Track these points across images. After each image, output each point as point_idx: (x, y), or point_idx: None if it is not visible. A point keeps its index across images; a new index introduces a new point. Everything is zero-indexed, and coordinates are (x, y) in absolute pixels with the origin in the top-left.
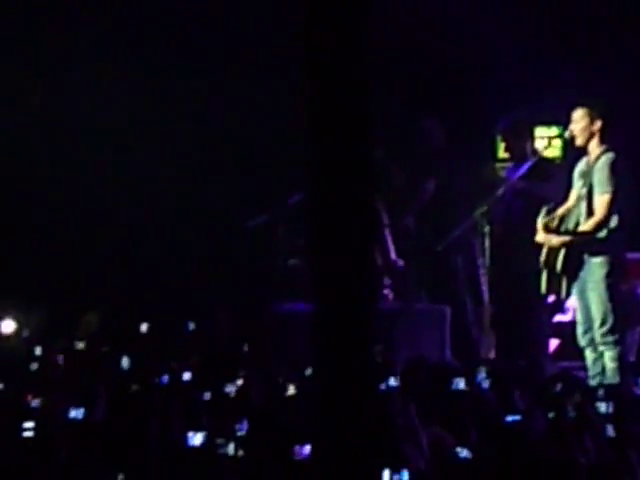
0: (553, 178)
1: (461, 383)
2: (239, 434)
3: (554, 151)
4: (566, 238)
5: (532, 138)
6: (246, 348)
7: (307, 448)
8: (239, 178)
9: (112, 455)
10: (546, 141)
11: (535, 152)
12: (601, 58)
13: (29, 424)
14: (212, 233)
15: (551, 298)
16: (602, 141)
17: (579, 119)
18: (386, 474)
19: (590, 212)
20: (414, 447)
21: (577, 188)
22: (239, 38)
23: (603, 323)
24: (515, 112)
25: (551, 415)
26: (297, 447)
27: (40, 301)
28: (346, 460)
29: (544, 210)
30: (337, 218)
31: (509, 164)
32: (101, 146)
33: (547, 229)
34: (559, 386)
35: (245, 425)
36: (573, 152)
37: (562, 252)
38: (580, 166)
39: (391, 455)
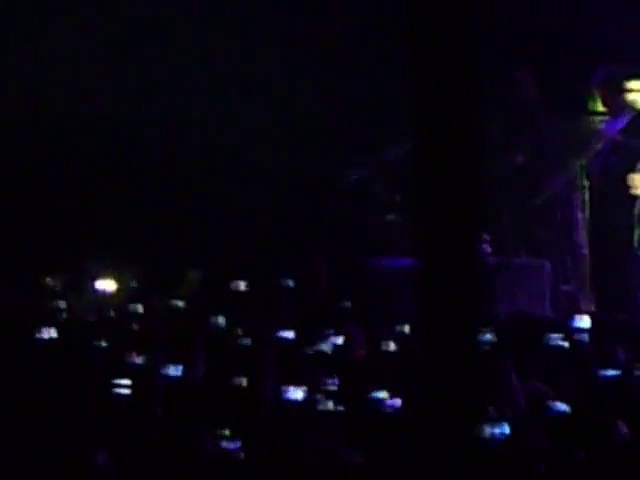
0: None
1: (558, 339)
2: (333, 389)
3: None
4: None
5: (627, 91)
6: (346, 304)
7: (397, 401)
8: (337, 130)
9: (212, 413)
10: None
11: (631, 105)
12: None
13: (126, 381)
14: (309, 188)
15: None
16: None
17: None
18: (486, 428)
19: None
20: (510, 401)
21: None
22: None
23: None
24: (610, 65)
25: None
26: (389, 400)
27: (141, 259)
28: (443, 414)
29: None
30: (443, 171)
31: (606, 118)
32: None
33: None
34: None
35: (337, 380)
36: None
37: None
38: None
39: (487, 410)
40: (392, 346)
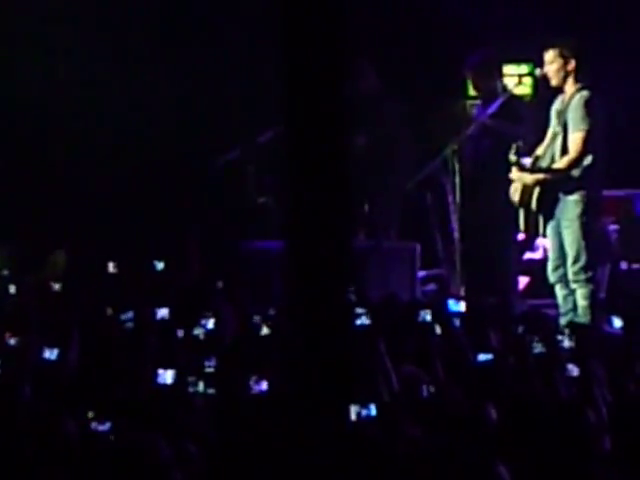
0: (523, 116)
1: (428, 315)
2: (207, 371)
3: (524, 89)
4: (540, 176)
5: (501, 75)
6: (218, 285)
7: (264, 384)
8: (210, 114)
9: (83, 395)
10: (516, 79)
11: (505, 90)
12: None
13: None
14: (182, 170)
15: (521, 236)
16: (576, 80)
17: (553, 60)
18: (353, 409)
19: (565, 150)
20: (383, 383)
21: (553, 126)
22: None
23: (576, 260)
24: (484, 49)
25: (519, 354)
26: (253, 381)
27: (8, 238)
28: (315, 395)
29: (514, 148)
30: (313, 156)
31: (478, 102)
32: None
33: (521, 167)
34: (528, 324)
35: (213, 362)
36: (545, 90)
37: (537, 190)
38: (556, 105)
39: (360, 391)
40: (264, 329)
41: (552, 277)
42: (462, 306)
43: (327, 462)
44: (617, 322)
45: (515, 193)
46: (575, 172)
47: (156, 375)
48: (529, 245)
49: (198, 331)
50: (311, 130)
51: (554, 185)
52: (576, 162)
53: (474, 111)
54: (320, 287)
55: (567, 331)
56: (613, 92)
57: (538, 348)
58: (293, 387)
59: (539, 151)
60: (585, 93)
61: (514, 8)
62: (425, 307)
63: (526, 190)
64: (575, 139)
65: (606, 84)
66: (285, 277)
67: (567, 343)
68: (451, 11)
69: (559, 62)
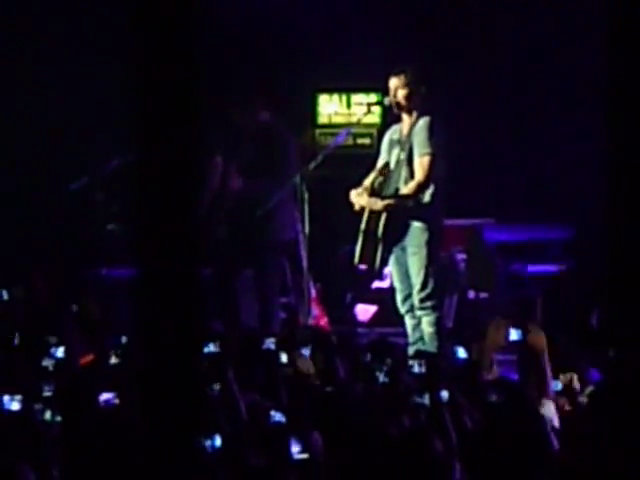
0: None
1: (272, 344)
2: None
3: (373, 118)
4: (390, 201)
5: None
6: (68, 313)
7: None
8: (60, 140)
9: None
10: (365, 108)
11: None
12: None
13: None
14: (29, 196)
15: (362, 266)
16: (418, 106)
17: (399, 86)
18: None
19: (412, 176)
20: (231, 412)
21: (394, 155)
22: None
23: (423, 288)
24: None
25: (366, 382)
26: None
27: None
28: (162, 426)
29: (374, 173)
30: (161, 182)
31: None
32: None
33: (372, 193)
34: (374, 353)
35: (60, 388)
36: (392, 118)
37: (383, 217)
38: (393, 134)
39: (206, 421)
40: (113, 359)
41: (402, 308)
42: (309, 334)
43: None
44: (462, 352)
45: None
46: (423, 198)
47: (1, 402)
48: (378, 274)
49: (47, 362)
50: (161, 158)
51: (400, 212)
52: (424, 186)
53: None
54: (169, 315)
55: (415, 360)
56: (455, 120)
57: (382, 377)
58: (140, 414)
59: (367, 181)
60: (428, 119)
61: (359, 38)
62: (270, 335)
63: (372, 217)
64: (422, 163)
65: (448, 111)
66: (134, 304)
67: (417, 369)
68: (298, 42)
69: (405, 88)
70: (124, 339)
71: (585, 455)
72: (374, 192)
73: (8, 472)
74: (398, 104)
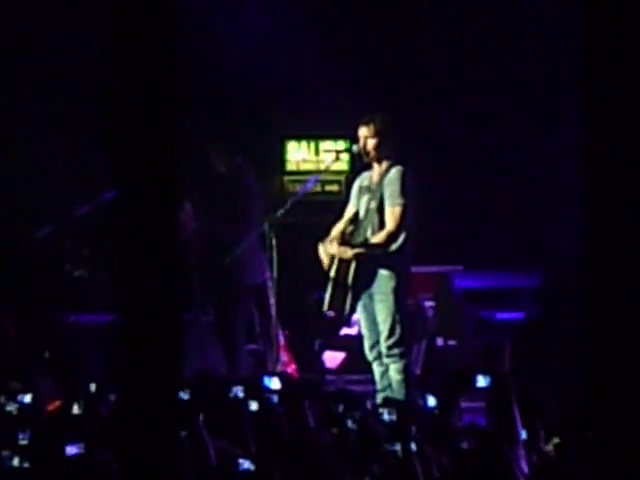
0: None
1: (240, 392)
2: (21, 443)
3: (342, 165)
4: (361, 250)
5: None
6: (36, 360)
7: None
8: (26, 186)
9: None
10: (333, 155)
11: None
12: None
13: None
14: None
15: (330, 313)
16: (388, 155)
17: (368, 136)
18: None
19: (382, 225)
20: (200, 458)
21: (364, 203)
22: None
23: (390, 336)
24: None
25: (334, 431)
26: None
27: None
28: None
29: (343, 221)
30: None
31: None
32: None
33: (343, 241)
34: (343, 402)
35: (28, 434)
36: (360, 166)
37: (353, 265)
38: (363, 181)
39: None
40: (76, 409)
41: (370, 355)
42: (276, 382)
43: None
44: (431, 400)
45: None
46: (391, 246)
47: None
48: (346, 320)
49: (11, 407)
50: (139, 200)
51: (369, 260)
52: (395, 236)
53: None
54: (145, 360)
55: (385, 408)
56: (424, 166)
57: (350, 425)
58: (117, 462)
59: (336, 231)
60: (400, 168)
61: (327, 86)
62: (237, 383)
63: (342, 265)
64: (394, 213)
65: (417, 160)
66: (109, 349)
67: (387, 417)
68: (266, 88)
69: (374, 137)
70: (93, 387)
71: None
72: (344, 241)
73: None
74: (368, 153)
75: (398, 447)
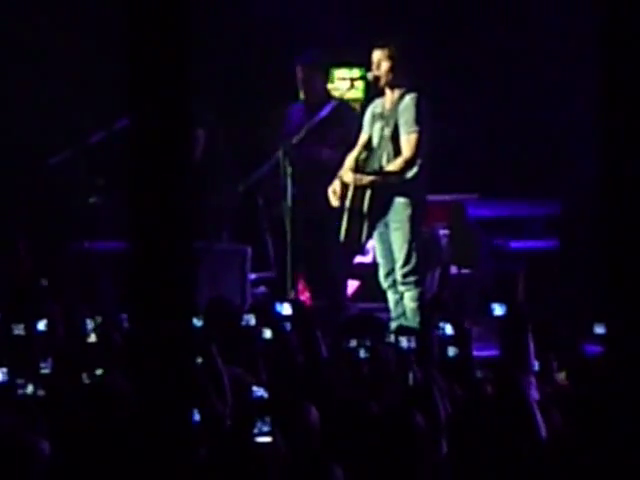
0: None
1: (252, 319)
2: (43, 372)
3: (356, 93)
4: (376, 178)
5: (327, 79)
6: (48, 286)
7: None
8: (42, 113)
9: None
10: (348, 83)
11: (329, 95)
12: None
13: None
14: (12, 168)
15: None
16: (403, 81)
17: (381, 60)
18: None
19: (397, 152)
20: (214, 387)
21: (377, 130)
22: None
23: (405, 264)
24: (314, 50)
25: (347, 358)
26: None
27: None
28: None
29: (357, 148)
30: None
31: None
32: None
33: (356, 169)
34: (356, 327)
35: (50, 363)
36: (375, 93)
37: (368, 193)
38: (376, 108)
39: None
40: (92, 337)
41: (384, 283)
42: (289, 309)
43: (167, 465)
44: (448, 329)
45: (334, 196)
46: (407, 174)
47: None
48: (360, 248)
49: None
50: (153, 130)
51: (385, 188)
52: (411, 163)
53: (293, 112)
54: (162, 288)
55: (402, 336)
56: (439, 95)
57: (362, 352)
58: (134, 389)
59: (351, 157)
60: (414, 95)
61: (341, 12)
62: (249, 311)
63: (357, 193)
64: (409, 140)
65: (432, 87)
66: (126, 278)
67: (406, 344)
68: (277, 19)
69: (388, 62)
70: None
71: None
72: (358, 168)
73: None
74: (381, 77)
75: (411, 377)
